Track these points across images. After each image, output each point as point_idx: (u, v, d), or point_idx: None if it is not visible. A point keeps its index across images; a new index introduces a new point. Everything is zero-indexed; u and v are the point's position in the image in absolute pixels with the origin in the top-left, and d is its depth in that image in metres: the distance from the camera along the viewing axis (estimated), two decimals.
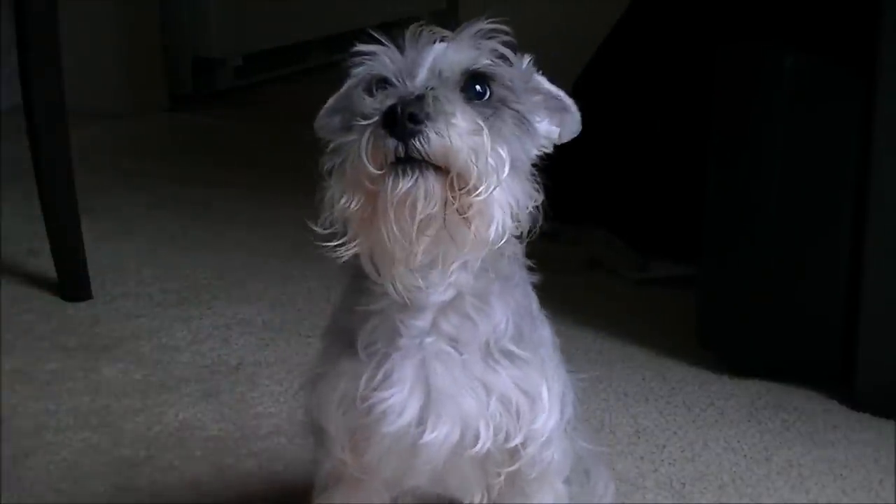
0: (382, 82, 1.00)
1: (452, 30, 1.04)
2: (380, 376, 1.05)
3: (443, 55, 0.99)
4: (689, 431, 1.65)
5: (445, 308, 1.05)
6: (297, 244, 2.31)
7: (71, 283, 2.05)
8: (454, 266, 1.01)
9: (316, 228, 0.99)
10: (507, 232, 0.98)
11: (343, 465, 1.12)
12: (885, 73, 1.61)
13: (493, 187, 0.95)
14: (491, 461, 1.10)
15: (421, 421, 1.05)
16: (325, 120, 1.10)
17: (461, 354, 1.06)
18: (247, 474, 1.53)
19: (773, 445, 1.62)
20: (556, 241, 2.22)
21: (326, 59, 3.74)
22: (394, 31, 1.05)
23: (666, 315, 2.01)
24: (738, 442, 1.63)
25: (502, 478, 1.12)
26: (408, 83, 0.97)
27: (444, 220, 0.96)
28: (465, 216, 0.96)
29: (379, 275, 1.01)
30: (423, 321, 1.05)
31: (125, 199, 2.55)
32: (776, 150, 1.70)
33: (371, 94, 1.00)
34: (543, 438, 1.09)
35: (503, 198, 0.97)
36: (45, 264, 2.11)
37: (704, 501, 1.49)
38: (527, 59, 1.06)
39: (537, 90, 1.07)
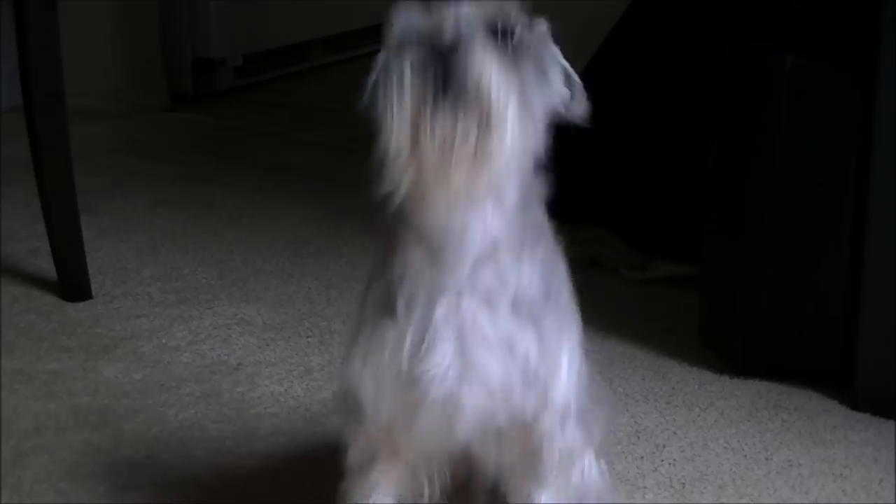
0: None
1: None
2: (424, 346, 1.10)
3: (465, 14, 1.07)
4: (689, 431, 1.65)
5: (482, 260, 1.10)
6: (297, 244, 2.31)
7: (71, 283, 2.05)
8: (485, 191, 1.07)
9: (378, 189, 1.06)
10: (524, 155, 1.07)
11: (377, 441, 1.18)
12: (885, 73, 1.61)
13: (511, 117, 1.04)
14: (507, 437, 1.15)
15: (458, 386, 1.10)
16: (370, 96, 1.13)
17: (494, 313, 1.11)
18: (247, 474, 1.53)
19: (773, 445, 1.63)
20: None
21: (326, 59, 3.74)
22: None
23: (666, 315, 2.01)
24: (738, 442, 1.63)
25: (517, 452, 1.16)
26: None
27: (476, 146, 1.04)
28: (488, 136, 1.04)
29: (420, 213, 1.08)
30: (459, 275, 1.10)
31: (125, 199, 2.55)
32: (776, 150, 1.70)
33: None
34: (559, 410, 1.13)
35: (519, 129, 1.05)
36: (45, 264, 2.12)
37: (704, 501, 1.49)
38: (543, 24, 1.13)
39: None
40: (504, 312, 1.11)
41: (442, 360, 1.10)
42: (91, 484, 1.50)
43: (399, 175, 1.06)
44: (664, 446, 1.61)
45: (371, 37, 4.00)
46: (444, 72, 1.04)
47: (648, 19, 2.30)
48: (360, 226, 2.39)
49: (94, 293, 2.05)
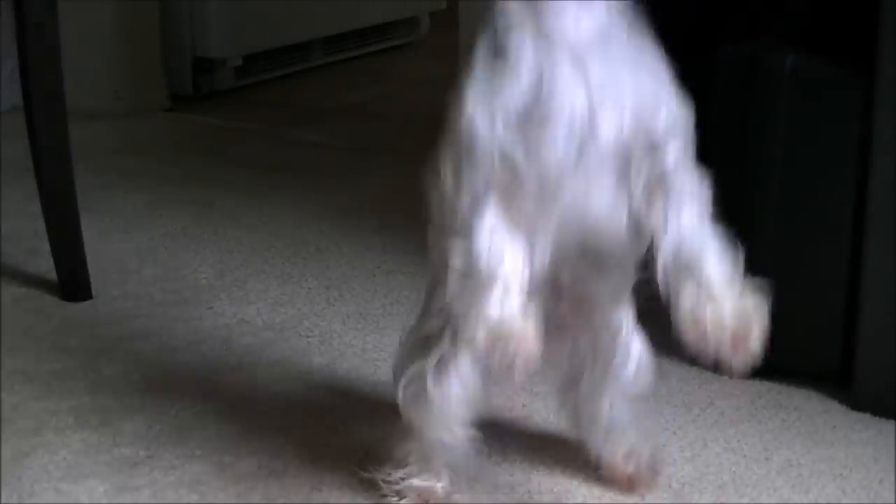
0: None
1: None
2: (546, 81, 1.18)
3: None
4: (689, 431, 1.65)
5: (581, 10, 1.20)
6: (297, 244, 2.31)
7: (71, 283, 2.05)
8: None
9: None
10: None
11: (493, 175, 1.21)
12: (885, 73, 1.61)
13: None
14: (636, 161, 1.23)
15: (591, 111, 1.18)
16: None
17: (605, 49, 1.20)
18: (247, 474, 1.53)
19: (773, 445, 1.62)
20: None
21: (326, 59, 3.74)
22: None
23: (667, 314, 2.01)
24: (738, 442, 1.63)
25: (645, 176, 1.24)
26: None
27: None
28: None
29: None
30: (566, 20, 1.19)
31: (125, 198, 2.55)
32: (776, 150, 1.70)
33: None
34: (682, 134, 1.25)
35: None
36: (45, 264, 2.11)
37: (704, 501, 1.49)
38: None
39: None
40: (614, 53, 1.20)
41: (566, 91, 1.17)
42: (91, 484, 1.50)
43: None
44: (664, 446, 1.61)
45: (371, 37, 4.01)
46: None
47: (648, 20, 2.30)
48: (359, 226, 2.39)
49: (94, 293, 2.05)
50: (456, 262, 1.23)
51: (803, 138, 1.69)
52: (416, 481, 1.42)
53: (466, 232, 1.22)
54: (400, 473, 1.43)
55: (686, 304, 1.26)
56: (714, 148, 1.80)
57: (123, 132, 3.06)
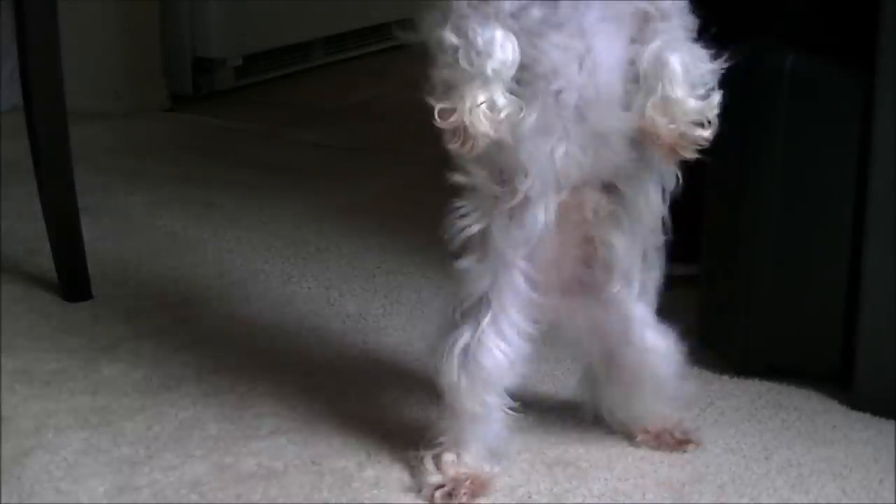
0: None
1: None
2: None
3: None
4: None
5: None
6: (297, 244, 2.31)
7: (71, 283, 2.05)
8: None
9: None
10: None
11: None
12: (885, 73, 1.61)
13: None
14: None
15: None
16: None
17: None
18: (247, 474, 1.53)
19: (773, 445, 1.63)
20: None
21: (326, 59, 3.74)
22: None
23: (666, 315, 2.01)
24: (738, 442, 1.63)
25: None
26: None
27: None
28: None
29: None
30: None
31: (125, 199, 2.55)
32: (776, 150, 1.70)
33: None
34: None
35: None
36: (45, 264, 2.12)
37: (704, 501, 1.49)
38: None
39: None
40: None
41: None
42: (91, 484, 1.50)
43: None
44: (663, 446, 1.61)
45: (371, 37, 4.01)
46: None
47: None
48: (359, 226, 2.39)
49: (94, 293, 2.05)
50: (447, 41, 1.36)
51: (803, 138, 1.69)
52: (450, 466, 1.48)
53: (459, 27, 1.34)
54: (433, 452, 1.49)
55: (648, 106, 1.36)
56: (714, 147, 1.80)
57: (123, 132, 3.06)
